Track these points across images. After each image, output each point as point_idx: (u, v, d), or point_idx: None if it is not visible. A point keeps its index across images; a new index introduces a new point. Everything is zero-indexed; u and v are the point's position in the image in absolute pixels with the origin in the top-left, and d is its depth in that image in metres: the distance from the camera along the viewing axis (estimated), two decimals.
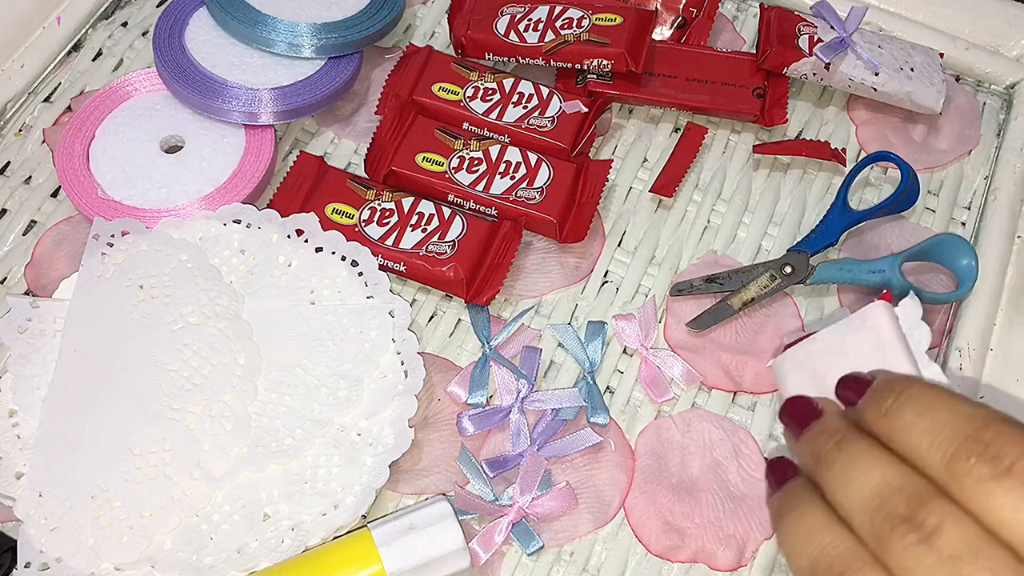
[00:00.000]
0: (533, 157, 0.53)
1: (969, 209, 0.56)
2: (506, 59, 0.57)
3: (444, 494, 0.46)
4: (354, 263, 0.50)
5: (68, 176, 0.52)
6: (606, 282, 0.53)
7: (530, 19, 0.57)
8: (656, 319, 0.51)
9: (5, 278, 0.52)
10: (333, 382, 0.47)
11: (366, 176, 0.54)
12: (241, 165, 0.53)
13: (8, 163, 0.56)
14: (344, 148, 0.57)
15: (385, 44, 0.60)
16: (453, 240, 0.50)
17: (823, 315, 0.52)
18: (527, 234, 0.53)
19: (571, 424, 0.48)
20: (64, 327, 0.48)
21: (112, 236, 0.50)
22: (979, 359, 0.50)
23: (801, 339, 0.35)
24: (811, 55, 0.56)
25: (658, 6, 0.61)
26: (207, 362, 0.47)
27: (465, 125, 0.55)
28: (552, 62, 0.56)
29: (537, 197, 0.52)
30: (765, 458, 0.33)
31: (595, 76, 0.57)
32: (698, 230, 0.55)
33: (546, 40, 0.56)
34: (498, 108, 0.55)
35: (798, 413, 0.31)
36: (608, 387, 0.50)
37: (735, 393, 0.50)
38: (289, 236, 0.51)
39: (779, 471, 0.31)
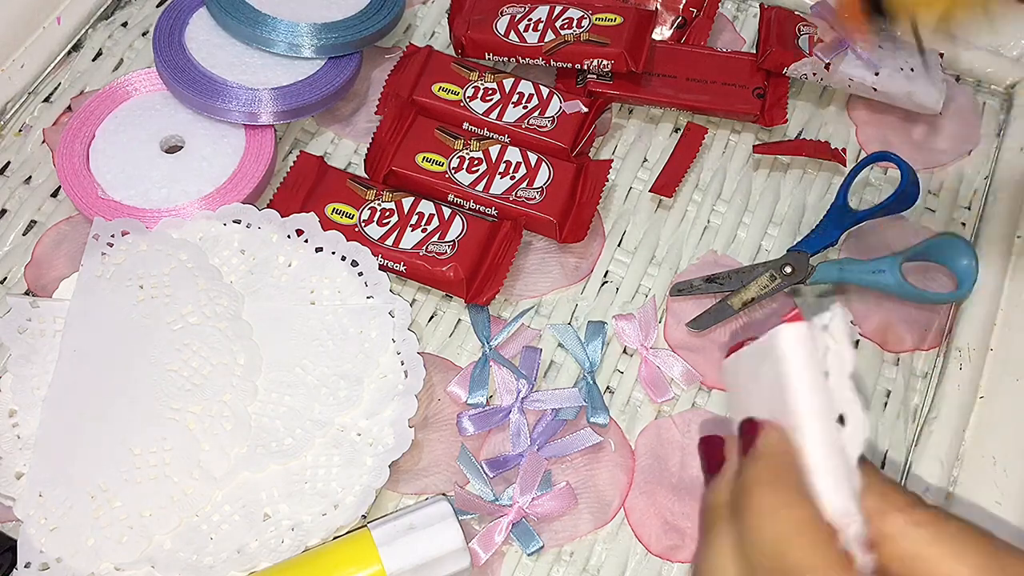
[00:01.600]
0: (533, 157, 0.53)
1: (969, 209, 0.56)
2: (506, 59, 0.57)
3: (444, 494, 0.46)
4: (354, 263, 0.50)
5: (68, 176, 0.52)
6: (606, 282, 0.53)
7: (530, 19, 0.57)
8: (656, 319, 0.51)
9: (5, 278, 0.52)
10: (333, 382, 0.47)
11: (366, 176, 0.54)
12: (241, 165, 0.53)
13: (8, 163, 0.56)
14: (344, 148, 0.57)
15: (385, 44, 0.60)
16: (453, 240, 0.50)
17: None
18: (527, 234, 0.53)
19: (571, 424, 0.48)
20: (64, 327, 0.48)
21: (112, 236, 0.50)
22: (979, 359, 0.50)
23: (744, 342, 0.31)
24: (811, 55, 0.56)
25: (658, 6, 0.61)
26: (207, 362, 0.47)
27: (465, 125, 0.55)
28: (552, 62, 0.56)
29: (537, 197, 0.52)
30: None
31: (595, 76, 0.57)
32: (698, 230, 0.55)
33: (546, 40, 0.56)
34: (498, 108, 0.55)
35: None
36: (608, 387, 0.50)
37: None
38: (289, 236, 0.51)
39: (712, 452, 0.30)
